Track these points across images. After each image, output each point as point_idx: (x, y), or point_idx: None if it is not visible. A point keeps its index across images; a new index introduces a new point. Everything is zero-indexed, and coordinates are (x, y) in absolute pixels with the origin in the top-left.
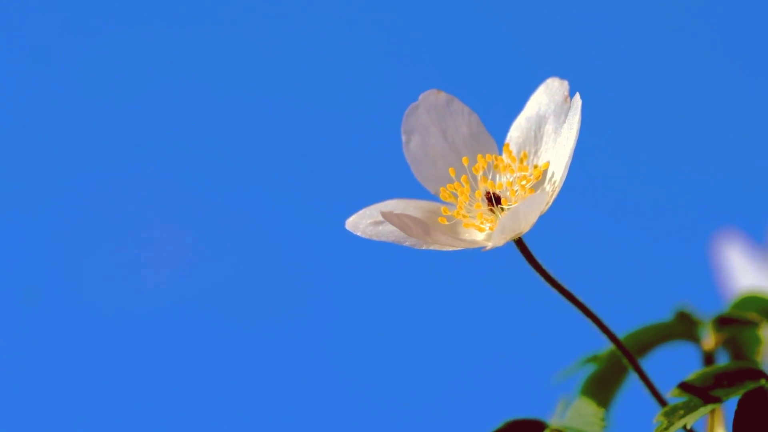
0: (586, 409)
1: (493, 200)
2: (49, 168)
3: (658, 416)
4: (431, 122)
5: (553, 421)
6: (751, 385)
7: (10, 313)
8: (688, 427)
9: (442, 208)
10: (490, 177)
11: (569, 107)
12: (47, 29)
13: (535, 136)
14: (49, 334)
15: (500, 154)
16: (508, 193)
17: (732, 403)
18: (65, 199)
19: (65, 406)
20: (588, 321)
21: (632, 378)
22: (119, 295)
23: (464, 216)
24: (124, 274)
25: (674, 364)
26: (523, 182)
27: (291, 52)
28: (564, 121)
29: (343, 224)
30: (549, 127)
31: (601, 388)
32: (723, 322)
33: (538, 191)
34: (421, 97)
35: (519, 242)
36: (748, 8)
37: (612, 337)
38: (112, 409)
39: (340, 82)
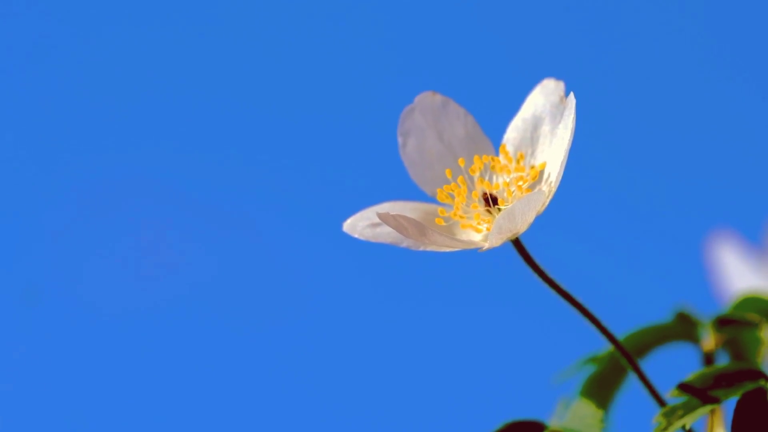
0: (585, 410)
1: (490, 201)
2: (49, 169)
3: (657, 416)
4: (427, 124)
5: (552, 423)
6: (750, 386)
7: (10, 313)
8: (687, 427)
9: (439, 209)
10: (486, 178)
11: (565, 108)
12: (46, 31)
13: (532, 137)
14: (49, 334)
15: (497, 155)
16: (504, 194)
17: (732, 403)
18: (65, 200)
19: (65, 405)
20: (587, 322)
21: (632, 379)
22: (119, 295)
23: (461, 217)
24: (124, 274)
25: (674, 365)
26: (520, 183)
27: (287, 54)
28: (560, 122)
29: (341, 226)
30: (545, 128)
31: (601, 389)
32: (723, 323)
33: (535, 191)
34: (416, 99)
35: (516, 243)
36: (743, 9)
37: (611, 338)
38: (112, 408)
39: (336, 84)
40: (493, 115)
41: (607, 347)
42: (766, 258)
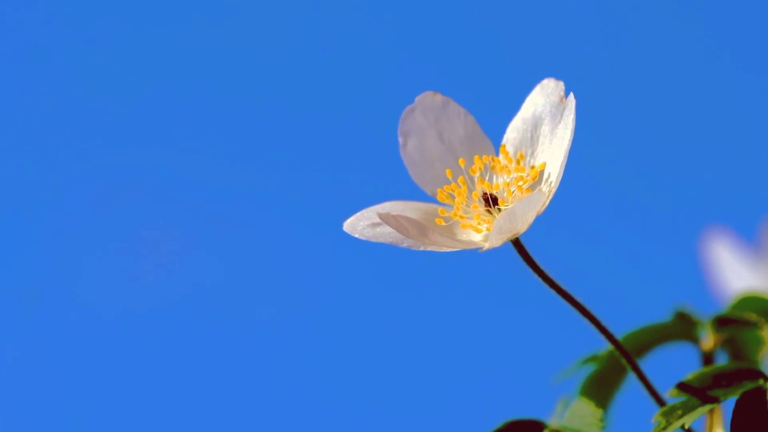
0: (584, 409)
1: (490, 201)
2: (49, 169)
3: (656, 416)
4: (428, 124)
5: (552, 422)
6: (749, 385)
7: (10, 313)
8: (687, 426)
9: (440, 209)
10: (486, 178)
11: (564, 108)
12: (47, 31)
13: (532, 137)
14: (49, 335)
15: (497, 155)
16: (505, 194)
17: (731, 403)
18: (64, 200)
19: (65, 405)
20: (587, 322)
21: (631, 378)
22: (119, 296)
23: (461, 217)
24: (124, 274)
25: (673, 365)
26: (520, 183)
27: (287, 54)
28: (560, 122)
29: (341, 226)
30: (545, 128)
31: (600, 388)
32: (722, 323)
33: (535, 191)
34: (417, 99)
35: (516, 243)
36: (741, 9)
37: (610, 337)
38: (112, 409)
39: (336, 84)
40: (493, 115)
41: (607, 347)
42: (761, 256)
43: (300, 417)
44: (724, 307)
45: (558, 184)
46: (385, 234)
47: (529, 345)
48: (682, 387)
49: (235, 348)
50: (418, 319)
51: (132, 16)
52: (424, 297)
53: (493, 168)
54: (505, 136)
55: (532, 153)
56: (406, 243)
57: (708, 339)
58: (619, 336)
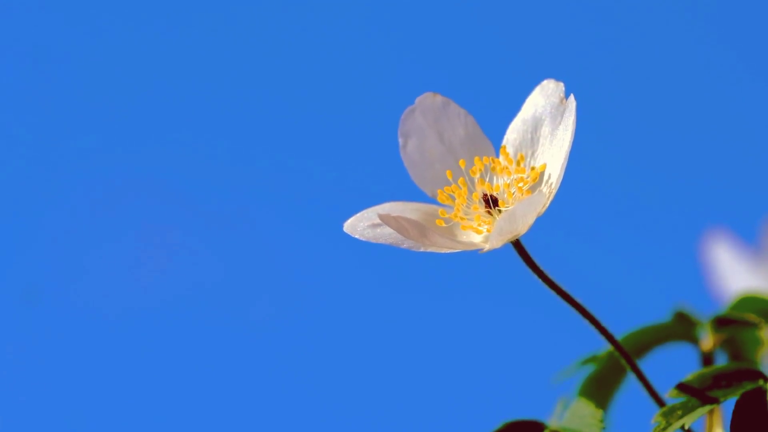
0: (584, 409)
1: (491, 202)
2: (49, 169)
3: (656, 416)
4: (428, 125)
5: (551, 422)
6: (749, 386)
7: (10, 313)
8: (686, 427)
9: (440, 210)
10: (487, 179)
11: (565, 109)
12: (47, 31)
13: (532, 138)
14: (49, 334)
15: (497, 156)
16: (505, 195)
17: (730, 403)
18: (65, 200)
19: (65, 405)
20: (586, 322)
21: (631, 378)
22: (119, 296)
23: (462, 218)
24: (124, 274)
25: (673, 365)
26: (520, 184)
27: (288, 54)
28: (560, 123)
29: (341, 227)
30: (545, 129)
31: (600, 388)
32: (721, 323)
33: (535, 193)
34: (417, 100)
35: (516, 244)
36: (739, 9)
37: (610, 338)
38: (112, 409)
39: (337, 85)
40: (493, 116)
41: (606, 347)
42: (761, 257)
43: (300, 417)
44: (723, 307)
45: (558, 185)
46: (386, 235)
47: (529, 345)
48: (682, 387)
49: (234, 348)
50: (419, 319)
51: (132, 16)
52: (424, 298)
53: (493, 169)
54: (506, 137)
55: (533, 154)
56: (406, 244)
57: (707, 339)
58: (619, 336)
